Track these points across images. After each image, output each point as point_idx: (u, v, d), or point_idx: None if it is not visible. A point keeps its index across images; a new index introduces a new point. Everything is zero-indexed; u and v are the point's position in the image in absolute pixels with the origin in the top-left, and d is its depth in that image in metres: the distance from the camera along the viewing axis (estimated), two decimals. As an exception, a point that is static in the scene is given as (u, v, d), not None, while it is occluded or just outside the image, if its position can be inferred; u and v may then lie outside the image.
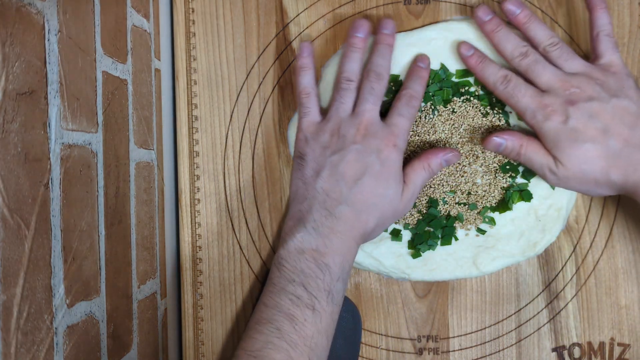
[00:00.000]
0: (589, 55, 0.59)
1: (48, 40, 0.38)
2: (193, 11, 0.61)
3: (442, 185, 0.59)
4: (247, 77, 0.61)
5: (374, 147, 0.53)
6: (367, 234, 0.53)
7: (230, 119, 0.61)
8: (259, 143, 0.61)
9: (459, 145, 0.58)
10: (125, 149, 0.52)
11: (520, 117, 0.55)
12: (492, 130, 0.58)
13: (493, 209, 0.59)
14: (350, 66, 0.56)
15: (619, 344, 0.60)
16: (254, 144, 0.61)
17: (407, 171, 0.55)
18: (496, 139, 0.55)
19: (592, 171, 0.52)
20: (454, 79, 0.58)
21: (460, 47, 0.57)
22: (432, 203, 0.58)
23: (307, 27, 0.61)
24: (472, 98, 0.58)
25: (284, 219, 0.60)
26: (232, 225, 0.61)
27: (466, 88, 0.58)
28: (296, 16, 0.61)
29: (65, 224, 0.41)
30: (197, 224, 0.61)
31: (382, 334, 0.61)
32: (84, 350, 0.43)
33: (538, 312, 0.60)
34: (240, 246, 0.61)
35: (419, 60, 0.57)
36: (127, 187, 0.52)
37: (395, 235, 0.59)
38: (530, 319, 0.60)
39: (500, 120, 0.58)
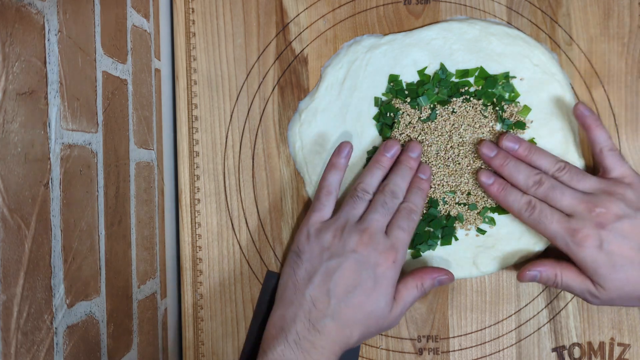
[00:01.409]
0: (590, 59, 0.59)
1: (48, 40, 0.38)
2: (193, 11, 0.61)
3: (442, 186, 0.59)
4: (247, 77, 0.61)
5: (372, 261, 0.52)
6: (348, 346, 0.52)
7: (230, 119, 0.61)
8: (259, 143, 0.61)
9: (459, 145, 0.58)
10: (125, 149, 0.52)
11: (551, 242, 0.55)
12: (492, 132, 0.58)
13: (493, 210, 0.59)
14: (370, 180, 0.56)
15: (619, 344, 0.59)
16: (254, 144, 0.61)
17: (400, 288, 0.54)
18: (530, 273, 0.55)
19: (635, 290, 0.52)
20: (454, 78, 0.58)
21: (480, 175, 0.57)
22: (432, 203, 0.58)
23: (307, 27, 0.61)
24: (471, 98, 0.58)
25: (283, 233, 0.60)
26: (232, 225, 0.61)
27: (466, 88, 0.58)
28: (296, 16, 0.61)
29: (65, 224, 0.41)
30: (197, 224, 0.61)
31: (382, 334, 0.61)
32: (84, 350, 0.43)
33: (538, 312, 0.60)
34: (240, 246, 0.61)
35: (420, 172, 0.57)
36: (127, 187, 0.52)
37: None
38: (530, 319, 0.60)
39: (499, 121, 0.58)
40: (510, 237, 0.59)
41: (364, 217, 0.54)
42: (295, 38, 0.61)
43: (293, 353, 0.50)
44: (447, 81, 0.58)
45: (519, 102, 0.58)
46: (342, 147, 0.57)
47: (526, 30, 0.60)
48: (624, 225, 0.52)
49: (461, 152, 0.58)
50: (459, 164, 0.58)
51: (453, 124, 0.58)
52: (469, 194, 0.59)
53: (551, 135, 0.58)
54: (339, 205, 0.56)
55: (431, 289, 0.55)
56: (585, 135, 0.57)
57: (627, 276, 0.51)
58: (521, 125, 0.58)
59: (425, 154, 0.58)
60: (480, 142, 0.57)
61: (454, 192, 0.59)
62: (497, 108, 0.58)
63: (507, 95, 0.58)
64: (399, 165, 0.57)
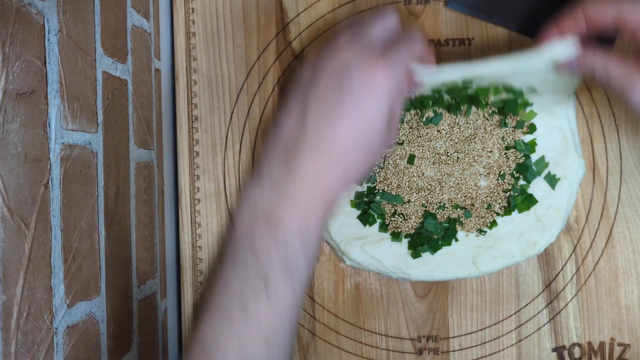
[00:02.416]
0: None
1: (48, 40, 0.38)
2: (193, 11, 0.61)
3: (443, 187, 0.59)
4: (247, 77, 0.61)
5: (356, 72, 0.42)
6: (345, 185, 0.44)
7: (230, 119, 0.61)
8: (259, 143, 0.61)
9: (459, 144, 0.58)
10: (125, 149, 0.52)
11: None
12: (498, 142, 0.58)
13: (496, 214, 0.59)
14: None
15: (619, 344, 0.59)
16: (254, 144, 0.61)
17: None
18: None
19: None
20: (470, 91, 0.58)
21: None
22: (428, 216, 0.58)
23: (307, 27, 0.61)
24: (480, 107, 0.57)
25: None
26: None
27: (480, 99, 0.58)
28: (296, 16, 0.61)
29: (65, 224, 0.41)
30: (197, 224, 0.61)
31: (382, 334, 0.61)
32: (84, 350, 0.43)
33: (538, 312, 0.60)
34: (240, 246, 0.61)
35: None
36: (127, 187, 0.52)
37: (396, 236, 0.59)
38: (530, 319, 0.60)
39: (502, 124, 0.58)
40: (510, 237, 0.59)
41: None
42: (295, 38, 0.61)
43: (265, 198, 0.42)
44: (460, 90, 0.55)
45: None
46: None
47: (526, 30, 0.60)
48: None
49: (462, 152, 0.58)
50: (459, 164, 0.58)
51: (453, 125, 0.58)
52: (471, 197, 0.58)
53: (551, 136, 0.58)
54: None
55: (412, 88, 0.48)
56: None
57: None
58: (520, 124, 0.58)
59: (425, 155, 0.58)
60: None
61: (455, 195, 0.58)
62: (505, 113, 0.57)
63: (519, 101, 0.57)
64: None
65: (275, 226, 0.41)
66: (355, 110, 0.41)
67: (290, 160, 0.42)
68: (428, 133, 0.58)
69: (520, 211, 0.58)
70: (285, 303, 0.41)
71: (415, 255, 0.59)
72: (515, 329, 0.60)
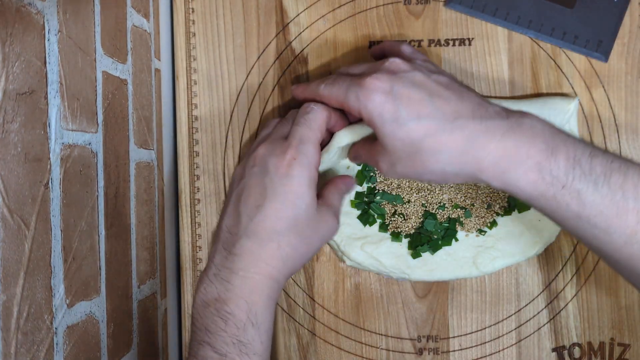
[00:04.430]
0: (591, 59, 0.59)
1: (48, 40, 0.38)
2: (193, 11, 0.61)
3: (443, 187, 0.59)
4: (247, 77, 0.61)
5: (272, 166, 0.48)
6: (286, 265, 0.48)
7: (230, 119, 0.61)
8: (259, 143, 0.61)
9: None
10: (125, 149, 0.52)
11: (349, 110, 0.50)
12: None
13: (496, 214, 0.59)
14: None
15: (619, 344, 0.59)
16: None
17: (322, 192, 0.52)
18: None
19: (420, 149, 0.48)
20: None
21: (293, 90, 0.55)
22: (428, 216, 0.58)
23: (307, 27, 0.61)
24: None
25: None
26: (232, 225, 0.61)
27: None
28: (296, 16, 0.61)
29: (65, 224, 0.41)
30: (197, 224, 0.61)
31: (382, 334, 0.61)
32: (84, 350, 0.43)
33: (538, 312, 0.60)
34: (240, 246, 0.61)
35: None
36: (127, 187, 0.52)
37: (396, 236, 0.59)
38: (530, 319, 0.60)
39: None
40: (510, 237, 0.59)
41: None
42: (295, 38, 0.61)
43: (214, 287, 0.47)
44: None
45: None
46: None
47: (526, 30, 0.60)
48: (416, 76, 0.47)
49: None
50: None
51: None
52: (470, 197, 0.58)
53: None
54: None
55: (349, 189, 0.55)
56: None
57: (413, 129, 0.45)
58: None
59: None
60: None
61: (455, 195, 0.59)
62: None
63: None
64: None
65: (225, 315, 0.46)
66: (277, 195, 0.48)
67: (231, 251, 0.48)
68: None
69: (520, 211, 0.58)
70: None
71: (415, 255, 0.59)
72: (515, 329, 0.60)
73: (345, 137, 0.52)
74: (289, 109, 0.61)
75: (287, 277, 0.50)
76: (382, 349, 0.61)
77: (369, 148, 0.50)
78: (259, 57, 0.61)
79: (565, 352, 0.60)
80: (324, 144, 0.53)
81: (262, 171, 0.49)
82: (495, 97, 0.59)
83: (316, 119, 0.50)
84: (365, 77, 0.47)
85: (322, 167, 0.53)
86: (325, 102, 0.51)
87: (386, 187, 0.59)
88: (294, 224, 0.48)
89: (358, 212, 0.59)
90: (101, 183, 0.47)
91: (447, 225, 0.59)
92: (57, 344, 0.39)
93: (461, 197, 0.59)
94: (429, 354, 0.60)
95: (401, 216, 0.59)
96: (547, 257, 0.60)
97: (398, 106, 0.45)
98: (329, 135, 0.53)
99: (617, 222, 0.42)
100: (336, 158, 0.55)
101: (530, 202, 0.45)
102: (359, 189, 0.59)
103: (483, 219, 0.59)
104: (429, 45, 0.60)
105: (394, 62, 0.48)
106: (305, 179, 0.48)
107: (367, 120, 0.47)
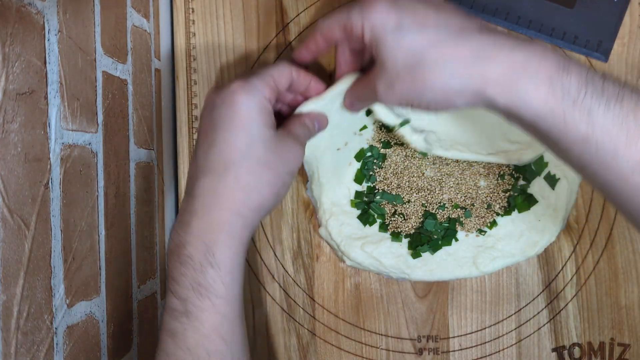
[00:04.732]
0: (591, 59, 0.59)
1: (48, 40, 0.38)
2: (193, 11, 0.61)
3: (443, 187, 0.59)
4: (247, 77, 0.61)
5: (218, 101, 0.47)
6: (250, 195, 0.46)
7: (230, 119, 0.61)
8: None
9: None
10: (125, 149, 0.52)
11: (351, 36, 0.48)
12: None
13: (496, 214, 0.59)
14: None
15: (619, 344, 0.59)
16: (254, 144, 0.61)
17: (285, 124, 0.50)
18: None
19: (420, 62, 0.45)
20: None
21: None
22: (428, 216, 0.58)
23: (307, 27, 0.61)
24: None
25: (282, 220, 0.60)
26: (232, 225, 0.61)
27: None
28: (296, 16, 0.61)
29: (65, 224, 0.41)
30: (197, 224, 0.61)
31: (382, 334, 0.61)
32: (84, 350, 0.43)
33: (538, 312, 0.60)
34: (240, 246, 0.61)
35: None
36: (127, 187, 0.52)
37: (396, 236, 0.59)
38: (530, 319, 0.60)
39: None
40: (510, 237, 0.59)
41: None
42: (295, 38, 0.61)
43: (176, 233, 0.46)
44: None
45: None
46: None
47: (526, 30, 0.60)
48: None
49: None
50: (458, 165, 0.58)
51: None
52: (471, 197, 0.58)
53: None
54: None
55: (317, 126, 0.52)
56: None
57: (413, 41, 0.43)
58: None
59: (425, 157, 0.58)
60: None
61: (456, 195, 0.59)
62: None
63: None
64: None
65: (184, 259, 0.45)
66: (226, 124, 0.46)
67: (190, 194, 0.46)
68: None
69: (520, 211, 0.58)
70: (210, 317, 0.44)
71: (415, 255, 0.59)
72: (515, 329, 0.60)
73: (343, 84, 0.51)
74: (289, 109, 0.61)
75: (256, 211, 0.47)
76: (382, 349, 0.61)
77: (364, 78, 0.49)
78: (259, 57, 0.61)
79: (565, 352, 0.60)
80: (286, 113, 0.52)
81: (211, 108, 0.47)
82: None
83: (269, 68, 0.49)
84: None
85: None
86: (326, 40, 0.49)
87: (386, 187, 0.59)
88: (249, 151, 0.46)
89: (358, 212, 0.60)
90: (101, 183, 0.47)
91: (447, 225, 0.59)
92: (57, 344, 0.39)
93: (461, 197, 0.59)
94: (429, 354, 0.60)
95: (401, 216, 0.59)
96: (547, 257, 0.60)
97: (401, 15, 0.43)
98: (295, 103, 0.52)
99: (626, 147, 0.39)
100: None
101: (536, 123, 0.41)
102: (359, 188, 0.59)
103: (483, 219, 0.59)
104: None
105: None
106: (253, 104, 0.46)
107: (370, 35, 0.44)
